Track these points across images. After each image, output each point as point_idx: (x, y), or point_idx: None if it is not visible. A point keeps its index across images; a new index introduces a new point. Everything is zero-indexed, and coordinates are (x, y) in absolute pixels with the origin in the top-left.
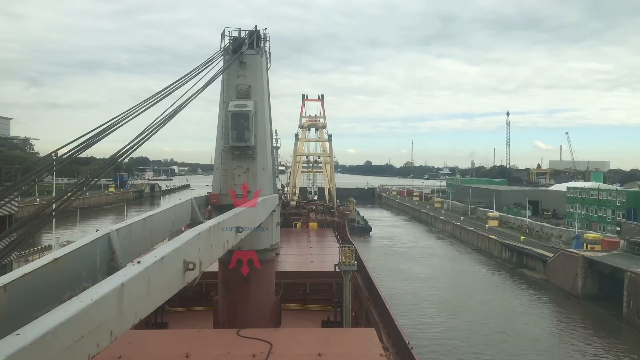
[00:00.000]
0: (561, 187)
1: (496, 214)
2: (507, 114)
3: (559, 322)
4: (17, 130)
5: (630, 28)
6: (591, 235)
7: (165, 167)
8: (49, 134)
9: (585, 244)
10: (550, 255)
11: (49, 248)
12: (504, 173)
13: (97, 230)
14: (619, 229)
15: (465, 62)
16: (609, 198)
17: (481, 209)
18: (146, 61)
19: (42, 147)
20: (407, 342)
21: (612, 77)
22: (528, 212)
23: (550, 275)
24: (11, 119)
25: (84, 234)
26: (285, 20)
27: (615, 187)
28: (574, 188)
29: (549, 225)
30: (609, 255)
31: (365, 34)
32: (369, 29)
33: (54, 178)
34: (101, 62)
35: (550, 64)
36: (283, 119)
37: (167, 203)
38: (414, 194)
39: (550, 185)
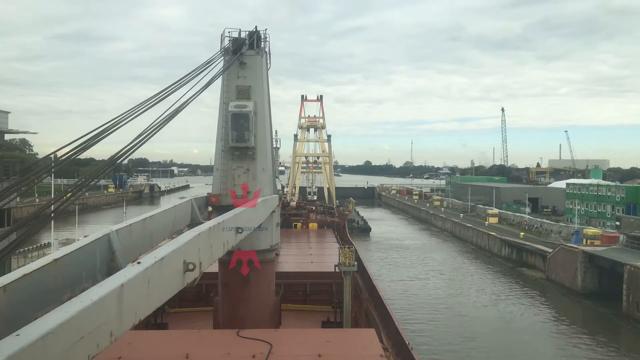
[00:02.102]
0: (560, 184)
1: (495, 211)
2: (502, 110)
3: (558, 316)
4: (16, 126)
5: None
6: (591, 230)
7: (165, 168)
8: (54, 136)
9: (584, 239)
10: (550, 250)
11: (48, 245)
12: (503, 172)
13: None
14: (618, 223)
15: (459, 74)
16: (609, 194)
17: (481, 206)
18: (174, 73)
19: (43, 148)
20: (407, 342)
21: (589, 86)
22: (527, 209)
23: (549, 271)
24: (9, 112)
25: (83, 233)
26: (305, 45)
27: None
28: (574, 184)
29: (548, 221)
30: (609, 250)
31: (374, 55)
32: (378, 51)
33: (53, 179)
34: (137, 77)
35: (535, 76)
36: (285, 121)
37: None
38: (414, 192)
39: (550, 183)
